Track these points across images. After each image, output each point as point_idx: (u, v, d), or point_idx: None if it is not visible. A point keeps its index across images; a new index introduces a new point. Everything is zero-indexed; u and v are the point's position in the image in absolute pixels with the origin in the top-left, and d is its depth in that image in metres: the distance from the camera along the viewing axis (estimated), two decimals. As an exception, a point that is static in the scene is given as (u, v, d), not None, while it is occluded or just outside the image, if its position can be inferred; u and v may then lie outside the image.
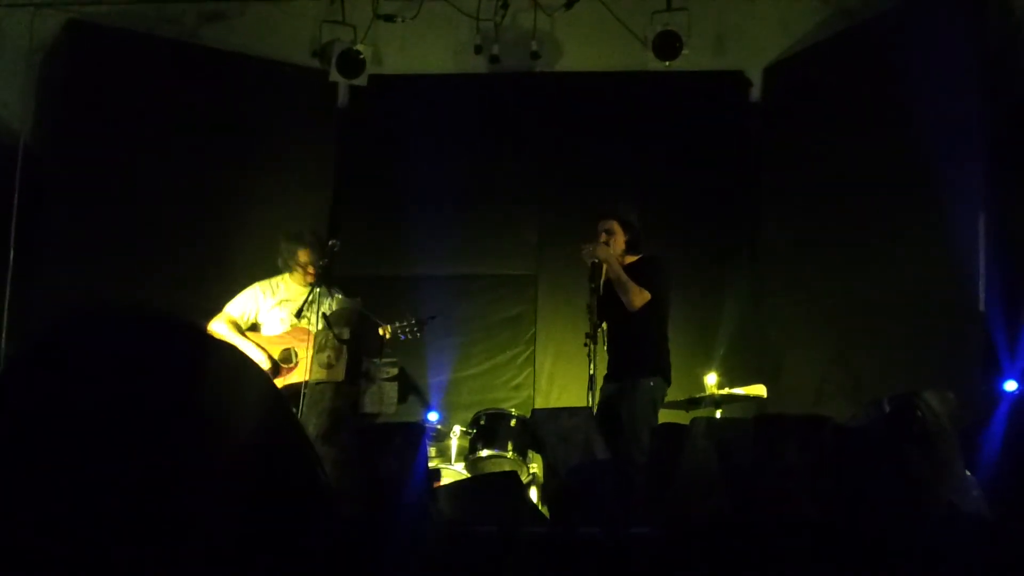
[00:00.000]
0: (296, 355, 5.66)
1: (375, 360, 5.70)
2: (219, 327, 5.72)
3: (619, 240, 5.39)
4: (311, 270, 5.76)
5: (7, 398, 0.77)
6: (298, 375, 5.55)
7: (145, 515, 0.73)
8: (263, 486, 0.80)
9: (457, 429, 5.83)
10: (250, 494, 0.79)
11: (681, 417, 5.44)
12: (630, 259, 5.42)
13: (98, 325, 0.83)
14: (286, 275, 5.91)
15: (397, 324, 5.76)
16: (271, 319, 5.82)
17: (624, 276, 5.21)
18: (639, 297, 5.17)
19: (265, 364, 5.61)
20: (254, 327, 5.86)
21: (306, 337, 5.56)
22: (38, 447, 0.73)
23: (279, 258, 5.90)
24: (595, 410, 5.15)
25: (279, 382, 5.59)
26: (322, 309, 5.51)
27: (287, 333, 5.78)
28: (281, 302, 5.79)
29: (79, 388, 0.76)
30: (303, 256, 5.80)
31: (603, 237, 5.37)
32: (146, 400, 0.77)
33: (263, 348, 5.66)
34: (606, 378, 5.29)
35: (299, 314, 5.63)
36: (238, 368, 0.86)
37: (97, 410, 0.75)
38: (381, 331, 5.75)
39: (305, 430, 0.91)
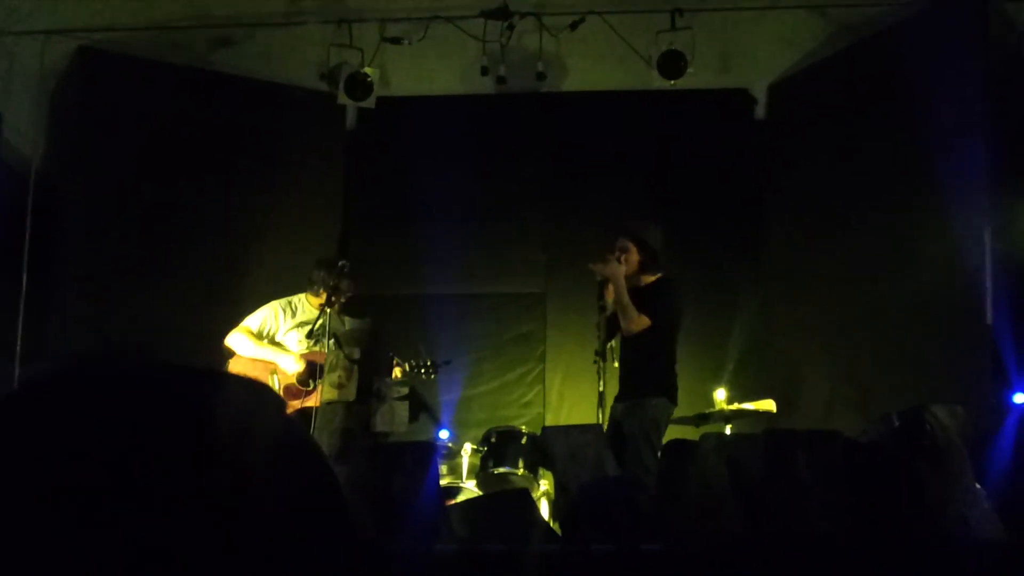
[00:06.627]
0: (315, 380, 5.63)
1: (386, 379, 5.75)
2: (237, 338, 5.72)
3: (632, 259, 5.30)
4: (334, 299, 5.73)
5: (14, 429, 0.75)
6: (314, 400, 5.53)
7: (162, 555, 0.71)
8: (286, 516, 0.78)
9: (468, 447, 5.85)
10: (273, 526, 0.77)
11: (691, 433, 5.44)
12: (647, 279, 5.34)
13: (108, 370, 0.82)
14: (303, 296, 5.92)
15: (413, 363, 5.84)
16: (289, 341, 5.83)
17: (626, 299, 5.14)
18: (636, 323, 5.13)
19: (295, 367, 5.58)
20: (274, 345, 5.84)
21: (323, 361, 5.57)
22: (43, 486, 0.71)
23: (311, 276, 5.89)
24: (605, 429, 5.16)
25: (296, 403, 5.58)
26: (333, 329, 5.54)
27: (304, 356, 5.78)
28: (300, 324, 5.78)
29: (85, 433, 0.75)
30: (337, 283, 5.74)
31: (616, 255, 5.29)
32: (154, 444, 0.75)
33: (288, 353, 5.65)
34: (616, 397, 5.27)
35: (310, 334, 5.65)
36: (252, 405, 0.84)
37: (105, 454, 0.73)
38: (397, 369, 5.81)
39: (322, 451, 0.90)
